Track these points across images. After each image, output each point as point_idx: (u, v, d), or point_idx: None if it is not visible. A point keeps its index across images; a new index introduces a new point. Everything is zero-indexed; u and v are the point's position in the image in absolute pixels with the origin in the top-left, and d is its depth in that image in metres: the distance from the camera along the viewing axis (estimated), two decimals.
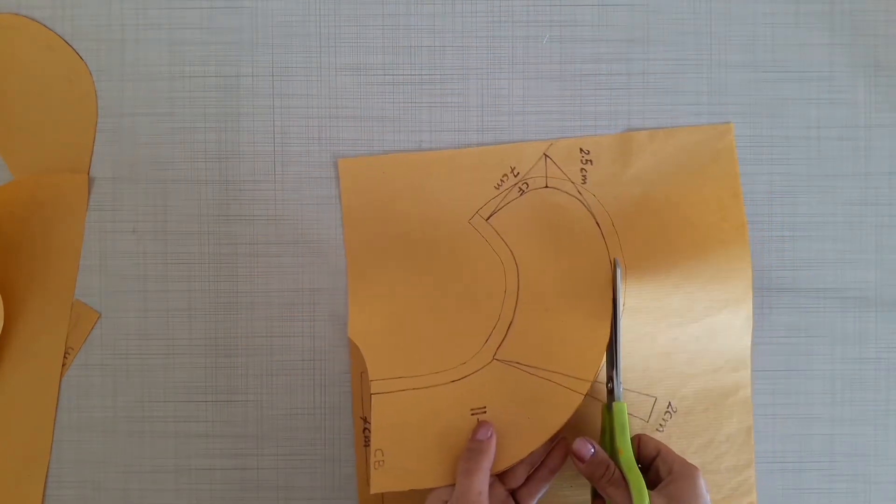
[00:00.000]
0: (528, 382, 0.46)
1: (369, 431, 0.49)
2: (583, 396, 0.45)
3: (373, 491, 0.45)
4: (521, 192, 0.50)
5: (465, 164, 0.50)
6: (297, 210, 0.50)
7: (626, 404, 0.45)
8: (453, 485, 0.44)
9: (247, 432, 0.50)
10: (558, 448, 0.46)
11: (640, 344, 0.48)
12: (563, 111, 0.50)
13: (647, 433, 0.48)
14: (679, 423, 0.49)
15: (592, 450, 0.43)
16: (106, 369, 0.50)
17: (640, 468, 0.43)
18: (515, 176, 0.50)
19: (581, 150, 0.50)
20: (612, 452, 0.44)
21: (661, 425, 0.49)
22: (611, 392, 0.46)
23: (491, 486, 0.44)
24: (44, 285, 0.50)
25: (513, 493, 0.45)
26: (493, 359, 0.47)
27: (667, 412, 0.49)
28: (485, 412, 0.46)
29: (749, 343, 0.49)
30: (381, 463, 0.45)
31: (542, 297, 0.48)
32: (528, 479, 0.46)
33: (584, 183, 0.49)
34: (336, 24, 0.50)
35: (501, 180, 0.50)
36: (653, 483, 0.43)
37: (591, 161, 0.50)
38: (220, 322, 0.50)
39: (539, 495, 0.45)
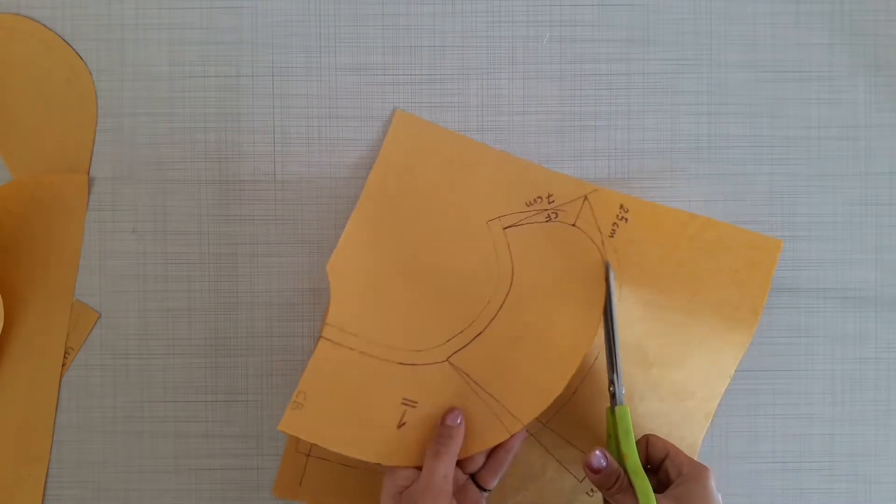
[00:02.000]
0: (467, 397, 0.45)
1: None
2: (509, 435, 0.44)
3: (280, 427, 0.44)
4: (548, 219, 0.49)
5: (510, 171, 0.50)
6: (297, 210, 0.50)
7: (629, 408, 0.44)
8: (415, 468, 0.44)
9: (247, 432, 0.50)
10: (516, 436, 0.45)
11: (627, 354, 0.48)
12: (563, 111, 0.50)
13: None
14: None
15: (605, 463, 0.42)
16: (106, 369, 0.50)
17: (648, 469, 0.42)
18: (549, 203, 0.49)
19: (622, 206, 0.49)
20: (619, 457, 0.43)
21: (591, 490, 0.48)
22: (613, 396, 0.45)
23: None
24: (44, 285, 0.50)
25: (473, 477, 0.45)
26: (447, 360, 0.47)
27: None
28: (415, 406, 0.45)
29: (725, 386, 0.49)
30: (299, 405, 0.45)
31: (520, 324, 0.47)
32: (486, 460, 0.45)
33: (612, 236, 0.48)
34: (336, 24, 0.50)
35: (535, 200, 0.49)
36: (662, 485, 0.42)
37: (626, 219, 0.48)
38: (220, 322, 0.50)
39: (500, 474, 0.45)
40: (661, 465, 0.43)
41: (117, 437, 0.50)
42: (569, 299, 0.47)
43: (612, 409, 0.45)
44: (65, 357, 0.50)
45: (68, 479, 0.50)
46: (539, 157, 0.50)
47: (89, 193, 0.50)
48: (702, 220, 0.48)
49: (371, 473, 0.49)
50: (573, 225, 0.49)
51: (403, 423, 0.45)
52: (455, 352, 0.47)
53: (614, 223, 0.48)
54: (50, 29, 0.50)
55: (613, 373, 0.45)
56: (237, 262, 0.50)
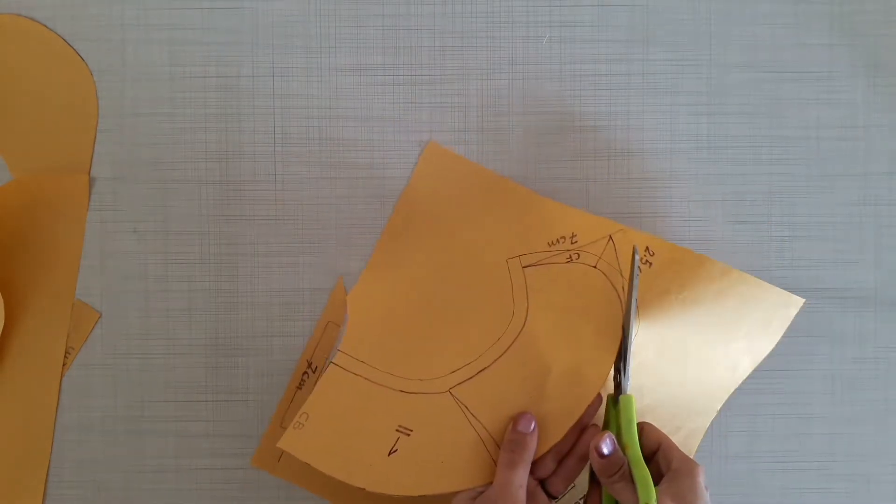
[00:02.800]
0: (462, 431, 0.45)
1: (308, 376, 0.50)
2: (493, 469, 0.44)
3: (279, 445, 0.44)
4: (569, 260, 0.48)
5: (535, 209, 0.49)
6: (297, 210, 0.50)
7: (633, 397, 0.43)
8: (483, 485, 0.43)
9: (247, 432, 0.50)
10: (588, 434, 0.44)
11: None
12: (563, 111, 0.50)
13: None
14: None
15: (612, 448, 0.42)
16: (106, 369, 0.50)
17: None
18: (573, 243, 0.48)
19: (647, 249, 0.48)
20: (620, 446, 0.43)
21: None
22: (618, 385, 0.44)
23: None
24: (44, 285, 0.50)
25: (542, 483, 0.44)
26: (448, 391, 0.46)
27: None
28: (409, 434, 0.45)
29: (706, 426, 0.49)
30: (301, 425, 0.45)
31: (528, 366, 0.46)
32: (557, 467, 0.44)
33: (634, 278, 0.47)
34: (336, 24, 0.50)
35: (558, 240, 0.48)
36: (653, 477, 0.42)
37: (650, 263, 0.47)
38: (220, 322, 0.50)
39: (571, 482, 0.44)
40: (652, 456, 0.43)
41: (117, 437, 0.50)
42: (582, 346, 0.46)
43: (614, 398, 0.44)
44: (65, 357, 0.50)
45: (68, 478, 0.50)
46: (539, 157, 0.50)
47: (90, 193, 0.50)
48: (733, 276, 0.47)
49: None
50: (594, 267, 0.47)
51: (395, 451, 0.45)
52: (458, 384, 0.46)
53: (639, 266, 0.47)
54: (50, 29, 0.50)
55: (622, 361, 0.44)
56: (237, 262, 0.50)
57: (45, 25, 0.50)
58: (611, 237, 0.48)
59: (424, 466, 0.44)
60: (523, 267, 0.48)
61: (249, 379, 0.50)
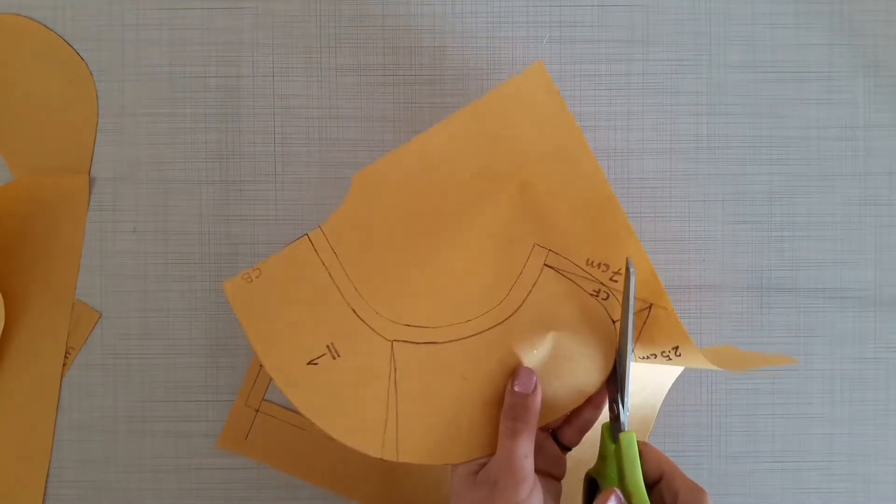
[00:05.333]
0: (376, 387, 0.41)
1: None
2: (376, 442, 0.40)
3: (223, 286, 0.42)
4: (595, 294, 0.41)
5: (597, 212, 0.41)
6: (297, 210, 0.50)
7: (635, 434, 0.38)
8: (485, 456, 0.39)
9: None
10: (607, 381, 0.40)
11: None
12: None
13: None
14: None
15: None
16: (106, 369, 0.50)
17: None
18: (612, 280, 0.41)
19: (675, 348, 0.41)
20: (622, 488, 0.38)
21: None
22: (616, 419, 0.39)
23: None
24: (44, 285, 0.50)
25: (554, 434, 0.41)
26: (391, 341, 0.41)
27: None
28: (335, 359, 0.41)
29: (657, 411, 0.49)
30: (249, 279, 0.42)
31: (490, 361, 0.41)
32: (570, 415, 0.41)
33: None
34: (336, 24, 0.50)
35: (598, 265, 0.41)
36: None
37: (670, 358, 0.41)
38: (220, 322, 0.50)
39: (585, 433, 0.41)
40: (654, 486, 0.38)
41: (117, 437, 0.50)
42: (560, 361, 0.41)
43: (612, 433, 0.39)
44: (65, 357, 0.50)
45: (68, 478, 0.50)
46: None
47: (90, 193, 0.50)
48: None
49: (320, 437, 0.48)
50: (614, 322, 0.41)
51: (315, 363, 0.40)
52: (403, 341, 0.41)
53: (657, 354, 0.41)
54: (50, 29, 0.50)
55: (618, 392, 0.40)
56: (237, 262, 0.50)
57: (45, 25, 0.50)
58: (651, 307, 0.41)
59: (333, 399, 0.40)
60: (544, 263, 0.42)
61: None
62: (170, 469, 0.50)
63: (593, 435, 0.42)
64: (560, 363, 0.41)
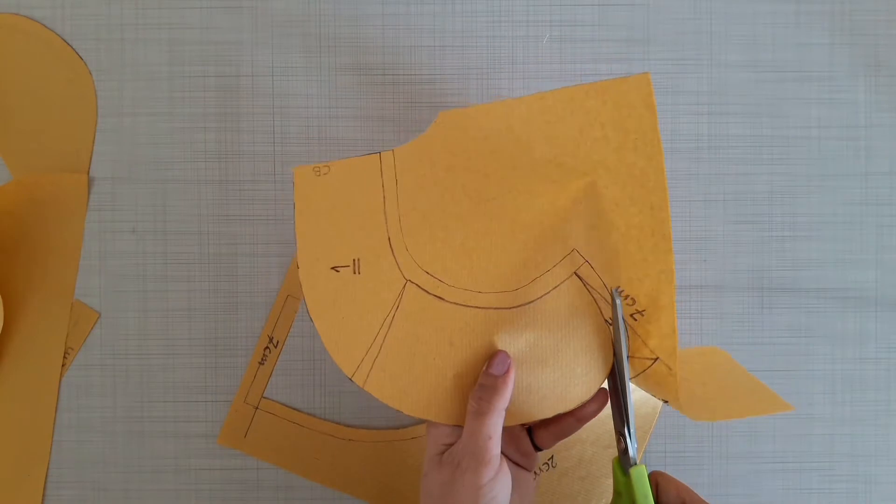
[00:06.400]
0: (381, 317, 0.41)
1: (270, 351, 0.49)
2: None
3: (294, 168, 0.42)
4: (609, 322, 0.40)
5: (650, 240, 0.39)
6: None
7: (645, 467, 0.37)
8: (457, 427, 0.39)
9: None
10: (596, 399, 0.40)
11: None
12: None
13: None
14: (553, 479, 0.48)
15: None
16: (106, 369, 0.50)
17: None
18: (633, 316, 0.40)
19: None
20: None
21: (535, 473, 0.46)
22: (624, 452, 0.38)
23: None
24: (43, 285, 0.50)
25: (529, 431, 0.41)
26: (407, 281, 0.41)
27: (545, 463, 0.48)
28: (351, 268, 0.41)
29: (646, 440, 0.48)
30: (319, 172, 0.42)
31: (478, 339, 0.41)
32: (550, 420, 0.40)
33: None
34: (336, 24, 0.50)
35: (627, 297, 0.40)
36: None
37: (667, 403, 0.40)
38: (220, 322, 0.50)
39: (560, 440, 0.41)
40: None
41: (117, 437, 0.50)
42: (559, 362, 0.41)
43: (622, 466, 0.38)
44: (65, 357, 0.50)
45: (68, 479, 0.50)
46: None
47: (89, 193, 0.50)
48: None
49: (317, 434, 0.49)
50: (614, 353, 0.40)
51: (337, 270, 0.41)
52: (417, 285, 0.41)
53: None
54: (50, 29, 0.50)
55: (624, 425, 0.38)
56: (237, 262, 0.50)
57: (45, 25, 0.50)
58: (656, 360, 0.39)
59: (337, 310, 0.41)
60: (575, 271, 0.41)
61: None
62: (169, 469, 0.50)
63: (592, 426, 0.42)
64: (548, 370, 0.40)
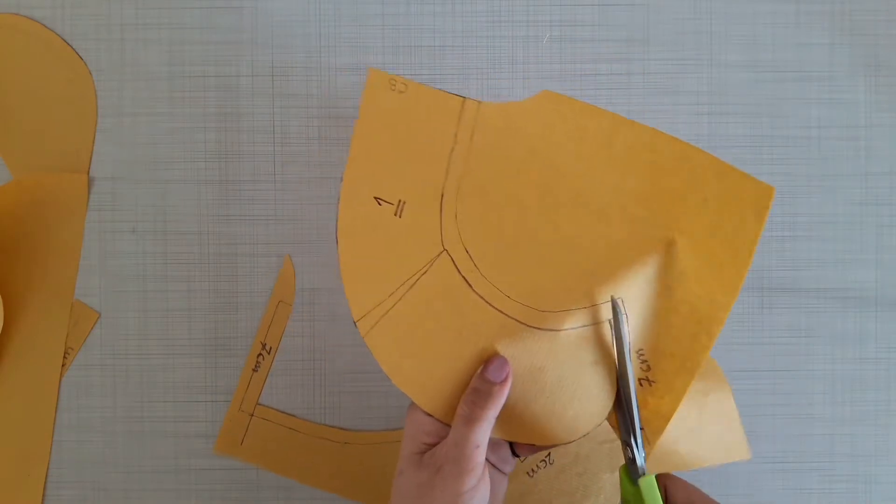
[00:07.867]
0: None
1: (263, 358, 0.49)
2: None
3: (370, 69, 0.39)
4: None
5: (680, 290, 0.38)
6: (297, 210, 0.50)
7: (654, 477, 0.36)
8: (439, 424, 0.38)
9: None
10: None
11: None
12: None
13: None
14: (550, 475, 0.47)
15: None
16: (106, 369, 0.50)
17: None
18: (642, 371, 0.39)
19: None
20: None
21: (532, 471, 0.47)
22: (632, 462, 0.37)
23: None
24: (43, 285, 0.50)
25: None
26: (444, 250, 0.39)
27: (543, 460, 0.47)
28: (393, 206, 0.40)
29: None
30: (393, 86, 0.39)
31: (486, 342, 0.39)
32: None
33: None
34: (336, 24, 0.50)
35: (640, 355, 0.39)
36: None
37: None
38: (220, 322, 0.50)
39: (537, 451, 0.40)
40: None
41: (117, 437, 0.50)
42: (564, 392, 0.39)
43: (630, 476, 0.37)
44: (64, 357, 0.50)
45: (68, 479, 0.50)
46: None
47: (89, 193, 0.50)
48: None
49: (313, 438, 0.49)
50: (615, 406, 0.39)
51: (380, 203, 0.39)
52: (451, 258, 0.39)
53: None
54: (50, 29, 0.50)
55: (630, 434, 0.37)
56: (237, 262, 0.50)
57: (45, 25, 0.50)
58: (647, 439, 0.38)
59: (364, 247, 0.39)
60: (609, 318, 0.38)
61: None
62: (169, 469, 0.50)
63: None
64: (542, 400, 0.38)
